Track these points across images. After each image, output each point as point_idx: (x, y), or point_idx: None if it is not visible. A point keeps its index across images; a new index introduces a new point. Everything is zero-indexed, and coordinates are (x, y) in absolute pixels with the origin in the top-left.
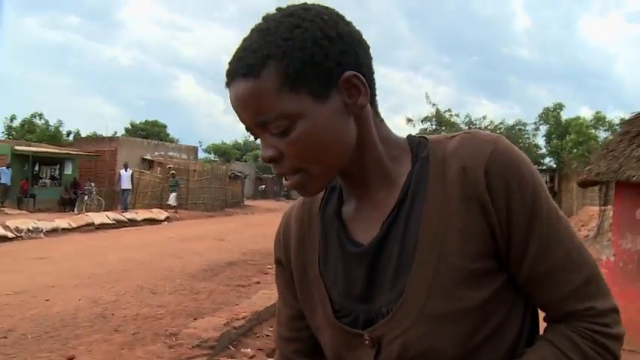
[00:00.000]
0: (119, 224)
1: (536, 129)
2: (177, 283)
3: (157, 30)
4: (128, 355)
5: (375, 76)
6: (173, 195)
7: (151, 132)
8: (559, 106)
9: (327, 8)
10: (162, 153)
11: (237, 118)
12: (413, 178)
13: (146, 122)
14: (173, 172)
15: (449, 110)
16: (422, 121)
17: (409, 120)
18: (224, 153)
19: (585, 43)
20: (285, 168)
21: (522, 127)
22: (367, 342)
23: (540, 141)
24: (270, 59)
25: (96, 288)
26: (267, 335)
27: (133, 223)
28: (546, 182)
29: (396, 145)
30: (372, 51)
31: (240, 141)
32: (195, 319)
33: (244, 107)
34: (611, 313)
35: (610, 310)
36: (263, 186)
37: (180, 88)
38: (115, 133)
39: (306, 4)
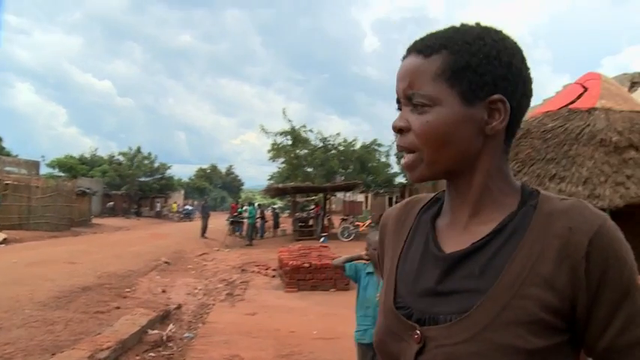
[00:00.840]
0: None
1: (388, 150)
2: (26, 315)
3: None
4: None
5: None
6: None
7: None
8: None
9: (514, 40)
10: None
11: (396, 87)
12: (516, 219)
13: None
14: None
15: (303, 126)
16: (276, 135)
17: (263, 129)
18: (70, 168)
19: None
20: (406, 142)
21: (377, 147)
22: (416, 337)
23: (392, 160)
24: (444, 49)
25: None
26: None
27: None
28: (397, 198)
29: (510, 184)
30: (224, 65)
31: (87, 155)
32: (53, 354)
33: (404, 76)
34: None
35: None
36: (112, 203)
37: (16, 97)
38: None
39: (501, 30)
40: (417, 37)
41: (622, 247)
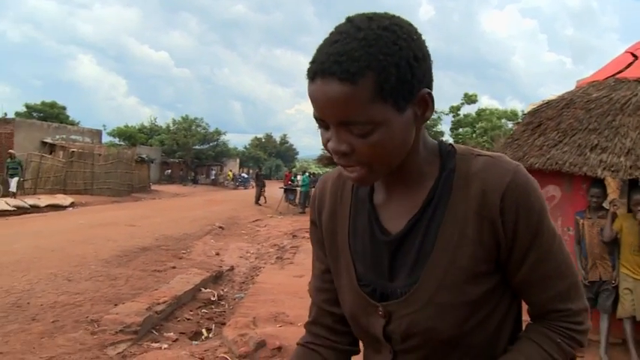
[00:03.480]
0: (20, 211)
1: (439, 118)
2: (92, 270)
3: (52, 5)
4: (49, 344)
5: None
6: (14, 180)
7: (49, 114)
8: (474, 97)
9: (411, 25)
10: (64, 136)
11: (314, 109)
12: (439, 186)
13: (43, 103)
14: (11, 151)
15: None
16: None
17: None
18: (129, 137)
19: (485, 35)
20: (353, 162)
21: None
22: (381, 313)
23: (446, 128)
24: (369, 70)
25: (5, 277)
26: (188, 319)
27: (35, 209)
28: None
29: (431, 150)
30: (277, 34)
31: (146, 124)
32: (115, 305)
33: (332, 107)
34: (583, 312)
35: (583, 310)
36: (169, 170)
37: (79, 69)
38: (6, 114)
39: (393, 16)
40: (324, 57)
41: (530, 196)
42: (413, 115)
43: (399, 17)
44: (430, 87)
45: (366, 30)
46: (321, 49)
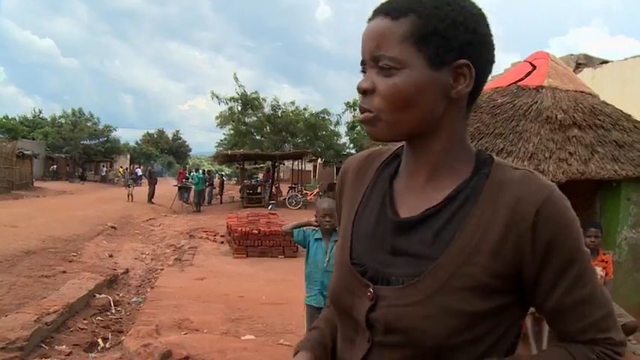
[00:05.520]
0: None
1: (338, 119)
2: None
3: None
4: None
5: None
6: None
7: None
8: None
9: (479, 7)
10: None
11: (361, 48)
12: (469, 186)
13: None
14: None
15: (255, 92)
16: (228, 101)
17: (214, 95)
18: (10, 129)
19: None
20: (370, 105)
21: (326, 116)
22: (369, 294)
23: (342, 130)
24: (412, 12)
25: None
26: (82, 329)
27: None
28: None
29: (466, 150)
30: (172, 27)
31: (29, 116)
32: None
33: (371, 38)
34: (623, 345)
35: (622, 342)
36: (55, 166)
37: None
38: None
39: None
40: (382, 3)
41: (567, 216)
42: (445, 82)
43: None
44: (477, 67)
45: None
46: None
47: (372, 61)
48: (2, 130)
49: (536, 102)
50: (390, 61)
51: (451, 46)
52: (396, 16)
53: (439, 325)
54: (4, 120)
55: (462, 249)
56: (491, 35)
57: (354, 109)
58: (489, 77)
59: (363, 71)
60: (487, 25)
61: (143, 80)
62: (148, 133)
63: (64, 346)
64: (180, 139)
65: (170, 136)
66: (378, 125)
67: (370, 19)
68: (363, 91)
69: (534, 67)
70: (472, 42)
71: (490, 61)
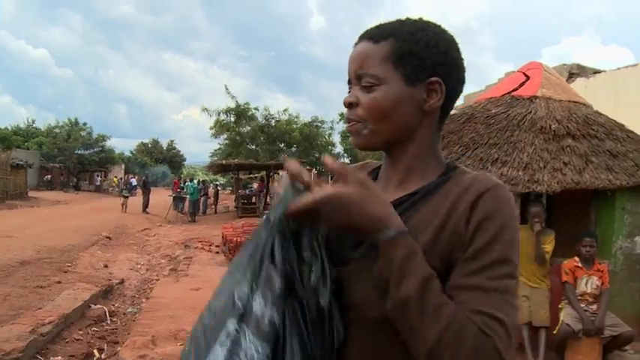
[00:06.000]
0: None
1: (332, 127)
2: None
3: None
4: None
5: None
6: None
7: None
8: None
9: (450, 34)
10: None
11: (348, 69)
12: (432, 185)
13: None
14: None
15: (247, 103)
16: (219, 113)
17: (204, 109)
18: (3, 139)
19: None
20: (355, 115)
21: (320, 124)
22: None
23: (336, 139)
24: (391, 37)
25: None
26: (78, 339)
27: None
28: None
29: (437, 159)
30: (166, 37)
31: (23, 126)
32: None
33: (355, 59)
34: (510, 330)
35: (510, 325)
36: (49, 176)
37: None
38: None
39: (440, 25)
40: (368, 28)
41: (503, 205)
42: (419, 96)
43: (444, 27)
44: (448, 85)
45: (411, 19)
46: None
47: (356, 79)
48: None
49: (530, 112)
50: (372, 78)
51: (424, 65)
52: (377, 40)
53: (383, 297)
54: None
55: (410, 231)
56: (461, 58)
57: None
58: (461, 95)
59: (350, 89)
60: (457, 50)
61: (137, 90)
62: (142, 142)
63: (59, 357)
64: (174, 148)
65: (165, 145)
66: (362, 134)
67: (356, 44)
68: (349, 105)
69: (528, 78)
70: (443, 63)
71: (460, 81)
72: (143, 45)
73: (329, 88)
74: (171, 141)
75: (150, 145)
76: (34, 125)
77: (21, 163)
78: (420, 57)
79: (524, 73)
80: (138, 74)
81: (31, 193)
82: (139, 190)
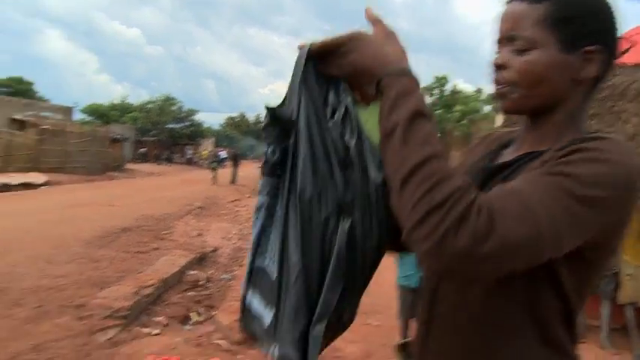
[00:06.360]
0: None
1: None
2: (73, 251)
3: None
4: (34, 330)
5: (275, 44)
6: None
7: (16, 90)
8: (444, 79)
9: (610, 2)
10: (34, 113)
11: (498, 28)
12: (552, 149)
13: (10, 79)
14: None
15: None
16: None
17: None
18: (102, 115)
19: (459, 19)
20: (503, 78)
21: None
22: None
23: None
24: (548, 0)
25: None
26: (176, 303)
27: (6, 187)
28: None
29: (579, 130)
30: (253, 15)
31: (117, 102)
32: (101, 288)
33: (508, 19)
34: (491, 218)
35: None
36: (144, 149)
37: (47, 43)
38: None
39: None
40: None
41: (601, 148)
42: (574, 65)
43: None
44: (603, 52)
45: None
46: None
47: (506, 40)
48: (95, 116)
49: (636, 80)
50: (524, 40)
51: (582, 33)
52: (533, 1)
53: None
54: (97, 106)
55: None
56: (617, 28)
57: (432, 94)
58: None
59: (497, 49)
60: (616, 17)
61: (224, 65)
62: (230, 117)
63: (161, 318)
64: (261, 122)
65: (252, 119)
66: (510, 98)
67: (508, 2)
68: (498, 66)
69: (633, 44)
70: (602, 31)
71: (613, 53)
72: (228, 21)
73: (414, 61)
74: (258, 115)
75: (237, 119)
76: (127, 101)
77: (118, 137)
78: (578, 23)
79: (629, 39)
80: (224, 50)
81: (127, 166)
82: (228, 163)
